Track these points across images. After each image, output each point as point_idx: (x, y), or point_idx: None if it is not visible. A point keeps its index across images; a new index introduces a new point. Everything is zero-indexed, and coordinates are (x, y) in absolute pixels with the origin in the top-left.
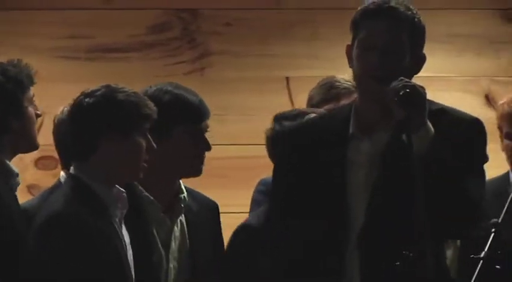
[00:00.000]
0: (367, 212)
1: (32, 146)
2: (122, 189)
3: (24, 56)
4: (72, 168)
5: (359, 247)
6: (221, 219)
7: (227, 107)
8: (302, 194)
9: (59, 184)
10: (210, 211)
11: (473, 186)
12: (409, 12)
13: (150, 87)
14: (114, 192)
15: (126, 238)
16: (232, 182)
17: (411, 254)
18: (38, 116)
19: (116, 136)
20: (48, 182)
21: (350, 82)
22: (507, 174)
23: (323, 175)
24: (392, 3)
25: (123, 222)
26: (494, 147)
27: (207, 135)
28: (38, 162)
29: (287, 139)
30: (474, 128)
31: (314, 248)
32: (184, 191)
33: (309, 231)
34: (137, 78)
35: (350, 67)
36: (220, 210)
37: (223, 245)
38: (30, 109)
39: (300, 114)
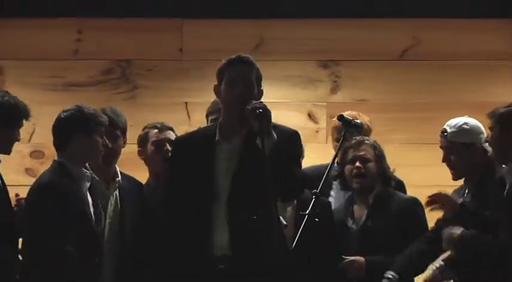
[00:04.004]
0: (230, 187)
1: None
2: (86, 170)
3: (24, 90)
4: (57, 156)
5: (227, 209)
6: None
7: (149, 121)
8: (187, 179)
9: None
10: (137, 186)
11: (299, 168)
12: (254, 61)
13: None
14: (83, 171)
15: (90, 200)
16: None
17: (262, 211)
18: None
19: (82, 135)
20: (38, 167)
21: None
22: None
23: (201, 167)
24: (245, 55)
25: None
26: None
27: None
28: (32, 154)
29: (176, 145)
30: (295, 135)
31: (196, 213)
32: (119, 174)
33: (191, 202)
34: (94, 103)
35: (218, 98)
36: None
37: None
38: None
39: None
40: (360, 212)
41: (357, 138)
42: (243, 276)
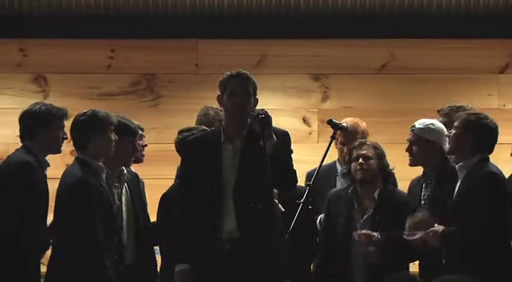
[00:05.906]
0: (235, 180)
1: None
2: (100, 163)
3: (65, 98)
4: (78, 154)
5: (233, 198)
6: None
7: (171, 124)
8: (200, 174)
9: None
10: (135, 176)
11: (290, 162)
12: (250, 75)
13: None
14: (100, 164)
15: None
16: (174, 164)
17: (264, 200)
18: (64, 138)
19: (99, 134)
20: None
21: (217, 112)
22: (335, 162)
23: (210, 163)
24: (243, 71)
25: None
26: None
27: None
28: (72, 152)
29: (189, 145)
30: (286, 135)
31: (206, 203)
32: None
33: (204, 193)
34: (124, 110)
35: (220, 105)
36: (160, 177)
37: (144, 195)
38: (56, 130)
39: (191, 129)
40: (366, 204)
41: (360, 140)
42: (247, 257)
